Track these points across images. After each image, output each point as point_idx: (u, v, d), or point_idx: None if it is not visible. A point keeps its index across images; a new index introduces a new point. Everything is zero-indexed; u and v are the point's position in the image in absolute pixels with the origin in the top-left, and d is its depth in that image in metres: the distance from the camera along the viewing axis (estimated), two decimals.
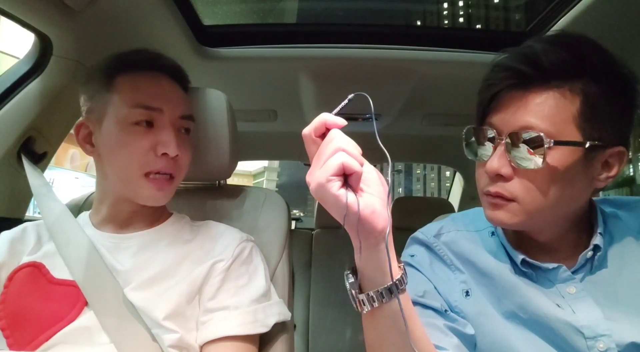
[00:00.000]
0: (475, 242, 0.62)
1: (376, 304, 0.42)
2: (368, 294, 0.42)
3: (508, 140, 0.51)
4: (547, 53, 0.50)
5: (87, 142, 0.69)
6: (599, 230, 0.55)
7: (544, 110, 0.49)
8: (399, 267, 0.44)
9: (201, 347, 0.62)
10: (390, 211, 0.40)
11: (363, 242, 0.40)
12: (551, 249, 0.58)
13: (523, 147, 0.50)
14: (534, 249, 0.58)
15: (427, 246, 0.65)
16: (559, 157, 0.49)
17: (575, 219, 0.57)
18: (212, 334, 0.61)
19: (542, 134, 0.48)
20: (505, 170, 0.51)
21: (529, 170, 0.50)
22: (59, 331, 0.58)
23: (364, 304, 0.43)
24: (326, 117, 0.40)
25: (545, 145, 0.48)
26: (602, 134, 0.50)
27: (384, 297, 0.42)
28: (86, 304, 0.61)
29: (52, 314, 0.60)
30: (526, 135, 0.50)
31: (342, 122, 0.40)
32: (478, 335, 0.57)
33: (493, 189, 0.53)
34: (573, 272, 0.55)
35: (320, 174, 0.38)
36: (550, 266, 0.55)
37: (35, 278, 0.64)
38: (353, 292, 0.44)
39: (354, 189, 0.38)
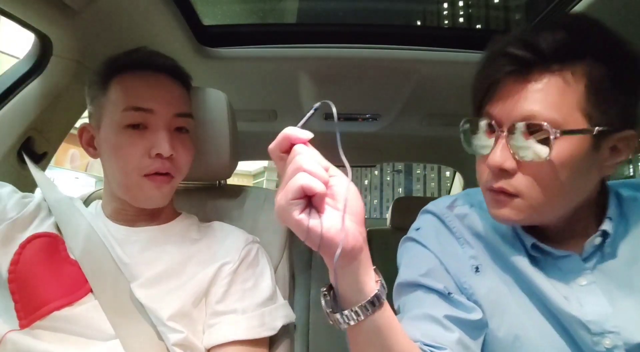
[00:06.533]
0: (487, 220, 0.58)
1: (352, 323, 0.41)
2: (342, 313, 0.41)
3: (510, 131, 0.48)
4: (544, 35, 0.46)
5: (90, 146, 0.70)
6: (609, 214, 0.52)
7: (546, 98, 0.46)
8: (376, 282, 0.42)
9: (208, 350, 0.62)
10: (344, 225, 0.37)
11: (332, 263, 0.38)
12: (562, 237, 0.54)
13: (527, 139, 0.46)
14: (543, 236, 0.55)
15: (438, 217, 0.62)
16: (566, 147, 0.46)
17: (584, 206, 0.53)
18: (219, 338, 0.61)
19: (547, 124, 0.45)
20: (509, 164, 0.48)
21: (533, 164, 0.47)
22: (60, 308, 0.58)
23: (340, 323, 0.41)
24: (289, 133, 0.37)
25: (552, 136, 0.45)
26: (610, 118, 0.46)
27: (359, 315, 0.40)
28: (91, 290, 0.61)
29: (58, 290, 0.60)
30: (530, 126, 0.46)
31: (307, 135, 0.37)
32: (488, 311, 0.54)
33: (496, 184, 0.50)
34: (583, 260, 0.52)
35: (281, 197, 0.36)
36: (562, 253, 0.53)
37: (50, 250, 0.64)
38: (327, 311, 0.42)
39: (318, 209, 0.37)
